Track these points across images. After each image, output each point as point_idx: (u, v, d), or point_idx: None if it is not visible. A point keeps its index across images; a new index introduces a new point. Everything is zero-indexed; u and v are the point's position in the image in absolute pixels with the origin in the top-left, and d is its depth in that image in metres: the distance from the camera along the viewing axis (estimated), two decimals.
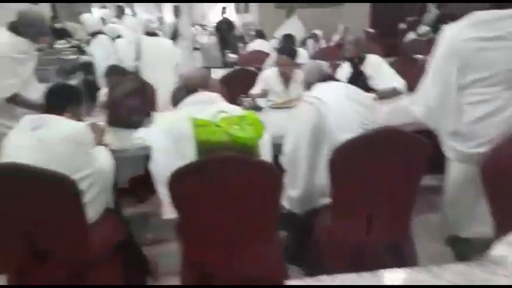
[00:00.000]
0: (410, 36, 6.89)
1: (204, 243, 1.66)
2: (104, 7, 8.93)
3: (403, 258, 1.90)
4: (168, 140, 1.74)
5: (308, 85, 2.00)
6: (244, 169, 1.53)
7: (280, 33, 6.17)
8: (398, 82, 3.07)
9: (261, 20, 8.29)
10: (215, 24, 9.20)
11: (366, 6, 8.39)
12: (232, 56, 6.70)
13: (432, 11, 7.71)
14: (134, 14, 8.48)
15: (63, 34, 6.21)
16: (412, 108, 2.18)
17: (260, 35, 6.25)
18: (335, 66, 3.33)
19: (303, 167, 1.87)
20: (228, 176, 1.52)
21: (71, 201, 1.57)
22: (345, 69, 3.24)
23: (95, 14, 6.78)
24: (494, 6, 1.85)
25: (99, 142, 2.06)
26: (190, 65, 5.73)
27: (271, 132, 1.98)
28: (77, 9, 8.36)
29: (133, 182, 2.96)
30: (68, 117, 1.83)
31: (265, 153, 1.84)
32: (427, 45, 6.01)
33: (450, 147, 2.08)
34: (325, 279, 1.04)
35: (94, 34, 4.75)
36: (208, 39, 9.41)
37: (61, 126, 1.74)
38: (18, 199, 1.53)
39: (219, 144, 1.53)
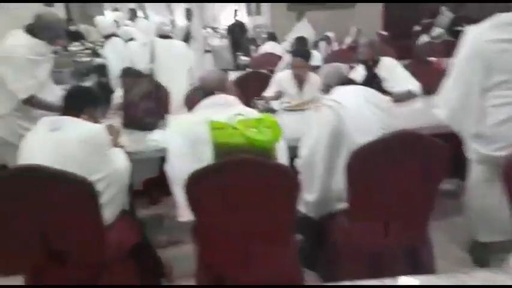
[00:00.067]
0: (424, 38, 6.83)
1: (220, 245, 1.66)
2: (117, 10, 9.02)
3: (421, 262, 1.88)
4: (184, 143, 1.73)
5: (327, 88, 1.98)
6: (261, 172, 1.52)
7: (292, 36, 6.18)
8: (413, 84, 3.04)
9: (273, 22, 8.29)
10: (227, 27, 9.23)
11: (378, 8, 8.34)
12: (244, 59, 6.71)
13: (445, 13, 7.65)
14: (146, 17, 8.55)
15: (77, 36, 6.28)
16: (435, 112, 2.16)
17: (272, 37, 6.24)
18: (349, 69, 3.31)
19: (320, 170, 1.85)
20: (245, 178, 1.51)
21: (88, 202, 1.58)
22: (358, 72, 3.22)
23: (107, 17, 6.84)
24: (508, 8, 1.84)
25: (115, 144, 2.07)
26: (202, 67, 5.75)
27: (286, 134, 1.97)
28: (89, 12, 8.46)
29: (148, 184, 2.96)
30: (85, 119, 1.84)
31: (281, 156, 1.83)
32: (440, 47, 6.00)
33: (473, 149, 2.06)
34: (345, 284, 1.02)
35: (108, 36, 4.79)
36: (219, 42, 9.44)
37: (78, 128, 1.76)
38: (36, 200, 1.54)
39: (236, 147, 1.52)
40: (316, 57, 4.40)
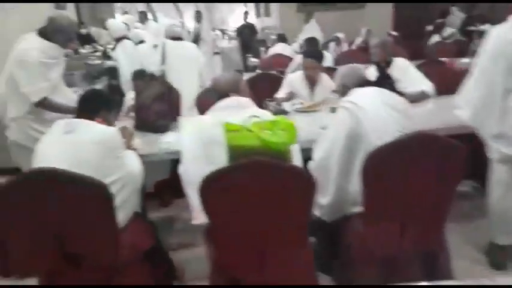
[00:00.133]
0: (435, 38, 6.77)
1: (235, 248, 1.64)
2: (126, 12, 9.07)
3: (438, 267, 1.85)
4: (198, 145, 1.72)
5: (344, 89, 1.96)
6: (276, 174, 1.51)
7: (301, 37, 6.16)
8: (427, 85, 3.00)
9: (282, 24, 8.28)
10: (236, 29, 9.23)
11: (388, 8, 8.29)
12: (253, 60, 6.70)
13: (455, 13, 7.59)
14: (155, 19, 8.58)
15: (88, 39, 6.32)
16: (456, 112, 2.13)
17: (282, 38, 6.23)
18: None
19: (335, 173, 1.83)
20: (260, 181, 1.50)
21: (103, 205, 1.58)
22: (371, 73, 3.18)
23: (118, 20, 6.89)
24: None
25: (129, 146, 2.07)
26: (211, 69, 5.76)
27: (298, 136, 1.95)
28: (100, 14, 8.52)
29: (159, 186, 2.96)
30: (99, 122, 1.84)
31: (296, 159, 1.81)
32: (452, 47, 5.94)
33: (495, 149, 2.04)
34: None
35: (119, 39, 4.81)
36: (228, 44, 9.45)
37: (92, 130, 1.76)
38: (51, 203, 1.54)
39: (251, 150, 1.51)
40: (328, 58, 4.37)
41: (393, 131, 1.70)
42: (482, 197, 2.37)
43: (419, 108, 2.80)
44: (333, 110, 2.77)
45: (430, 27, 7.46)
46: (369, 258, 1.80)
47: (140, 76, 2.87)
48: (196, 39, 6.53)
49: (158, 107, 2.53)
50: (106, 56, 5.55)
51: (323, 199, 1.89)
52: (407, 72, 3.09)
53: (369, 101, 1.79)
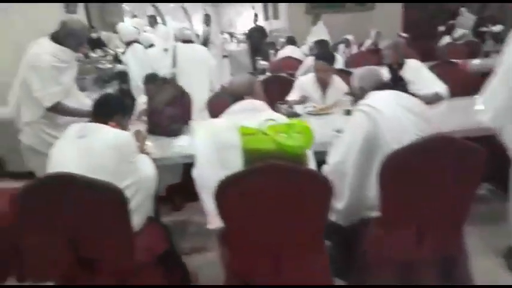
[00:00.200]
0: (445, 40, 6.72)
1: (250, 253, 1.63)
2: (135, 16, 9.13)
3: (457, 273, 1.81)
4: (212, 150, 1.70)
5: (361, 92, 1.93)
6: (292, 178, 1.49)
7: (310, 40, 6.14)
8: (440, 87, 2.96)
9: (291, 26, 8.27)
10: (246, 31, 9.23)
11: (398, 10, 8.24)
12: (263, 63, 6.69)
13: (464, 14, 7.54)
14: (164, 23, 8.62)
15: (98, 43, 6.36)
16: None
17: (291, 41, 6.21)
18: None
19: (351, 178, 1.80)
20: (276, 185, 1.48)
21: (118, 210, 1.57)
22: (383, 75, 3.15)
23: (127, 23, 6.92)
24: None
25: (142, 150, 2.07)
26: (221, 73, 5.76)
27: None
28: (109, 18, 8.58)
29: (171, 190, 2.96)
30: (112, 126, 1.84)
31: (310, 162, 1.79)
32: (463, 49, 5.89)
33: None
34: None
35: (129, 43, 4.82)
36: (236, 47, 9.46)
37: (107, 134, 1.76)
38: (67, 208, 1.54)
39: (266, 153, 1.50)
40: (339, 61, 4.35)
41: (411, 134, 1.67)
42: (499, 200, 2.33)
43: (433, 111, 2.77)
44: (347, 112, 2.74)
45: (442, 28, 7.40)
46: (385, 264, 1.77)
47: (152, 80, 2.87)
48: (205, 43, 6.55)
49: (171, 111, 2.53)
50: (117, 60, 5.57)
51: (338, 204, 1.87)
52: (420, 74, 3.05)
53: (386, 104, 1.76)
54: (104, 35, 7.20)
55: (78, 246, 1.61)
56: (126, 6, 10.05)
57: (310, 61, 4.09)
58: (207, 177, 1.69)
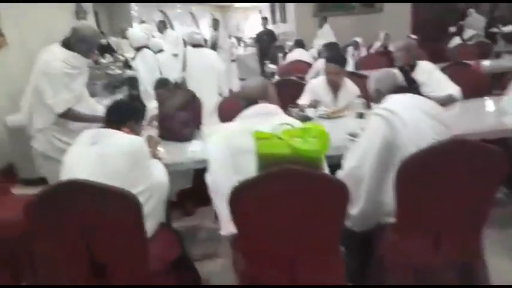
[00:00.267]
0: (455, 41, 6.66)
1: (265, 258, 1.60)
2: (144, 22, 9.19)
3: (474, 275, 1.77)
4: (226, 155, 1.69)
5: (378, 95, 1.91)
6: (308, 183, 1.47)
7: (317, 43, 6.13)
8: (453, 89, 2.93)
9: (298, 29, 8.27)
10: (255, 35, 9.23)
11: (406, 12, 8.20)
12: (271, 67, 6.68)
13: (473, 15, 7.49)
14: (172, 28, 8.66)
15: (108, 49, 6.40)
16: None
17: (300, 44, 6.20)
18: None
19: (367, 183, 1.77)
20: (291, 190, 1.46)
21: (132, 216, 1.56)
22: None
23: (136, 29, 6.96)
24: None
25: (154, 155, 2.06)
26: (229, 77, 5.76)
27: None
28: (117, 24, 8.64)
29: (182, 195, 2.95)
30: (125, 132, 1.83)
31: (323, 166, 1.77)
32: (474, 49, 5.83)
33: None
34: None
35: (139, 48, 4.84)
36: (243, 51, 9.47)
37: (120, 140, 1.75)
38: (81, 214, 1.53)
39: (282, 158, 1.47)
40: (349, 63, 4.32)
41: (429, 137, 1.64)
42: None
43: (446, 113, 2.74)
44: (360, 115, 2.71)
45: (452, 29, 7.34)
46: (402, 269, 1.74)
47: (163, 85, 2.86)
48: (213, 47, 6.56)
49: (182, 116, 2.51)
50: (127, 65, 5.60)
51: (353, 209, 1.84)
52: (432, 76, 3.02)
53: (403, 107, 1.73)
54: (113, 40, 7.25)
55: (92, 252, 1.60)
56: (134, 12, 10.13)
57: (320, 64, 4.07)
58: (221, 183, 1.67)
